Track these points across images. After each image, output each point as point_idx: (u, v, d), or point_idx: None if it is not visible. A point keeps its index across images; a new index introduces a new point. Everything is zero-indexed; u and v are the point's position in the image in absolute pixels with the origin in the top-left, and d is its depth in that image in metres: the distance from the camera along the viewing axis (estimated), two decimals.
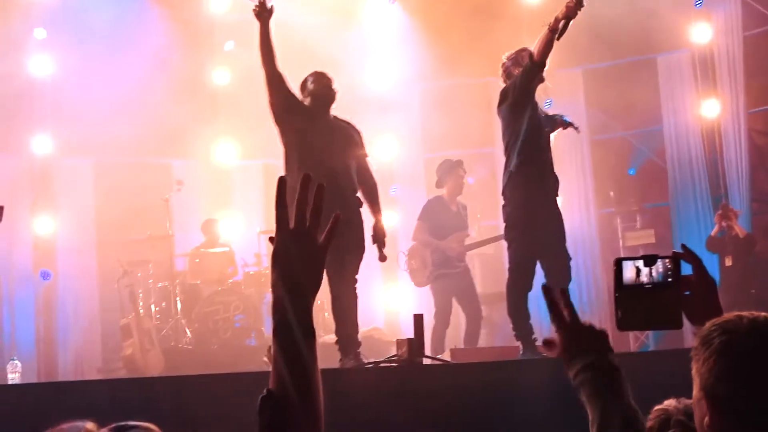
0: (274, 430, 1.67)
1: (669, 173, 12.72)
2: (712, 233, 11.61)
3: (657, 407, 2.71)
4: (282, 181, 1.77)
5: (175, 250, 11.16)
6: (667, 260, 2.08)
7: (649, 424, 2.65)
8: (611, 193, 12.66)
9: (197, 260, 11.26)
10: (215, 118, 12.83)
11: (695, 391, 1.80)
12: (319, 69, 7.20)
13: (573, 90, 12.75)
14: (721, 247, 11.42)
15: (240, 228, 12.46)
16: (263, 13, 6.67)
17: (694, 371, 1.80)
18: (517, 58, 7.17)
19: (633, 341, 12.05)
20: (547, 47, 6.73)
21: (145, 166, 12.54)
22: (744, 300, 10.15)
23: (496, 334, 11.21)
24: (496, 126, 8.01)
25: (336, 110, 7.09)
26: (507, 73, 7.23)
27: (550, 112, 7.81)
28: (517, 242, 7.07)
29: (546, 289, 2.12)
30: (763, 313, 1.79)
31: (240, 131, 12.65)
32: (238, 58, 12.40)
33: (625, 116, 13.01)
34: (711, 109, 12.47)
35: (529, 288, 6.99)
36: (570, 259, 7.14)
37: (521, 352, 6.91)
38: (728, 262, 11.29)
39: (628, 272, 2.09)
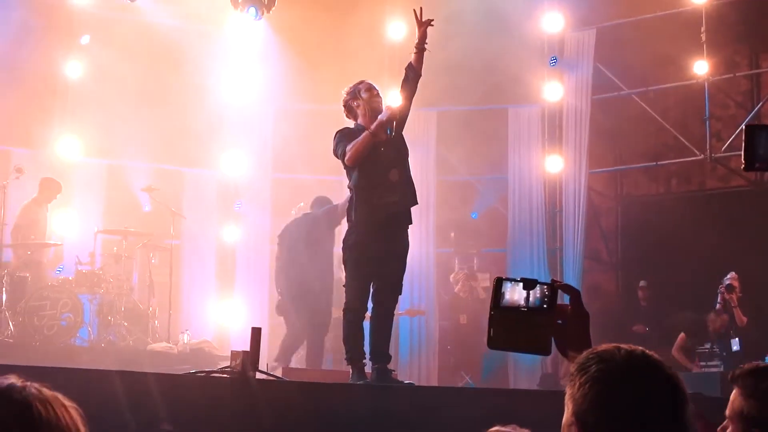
0: None
1: (509, 221, 13.04)
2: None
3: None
4: None
5: (5, 240, 10.72)
6: (545, 287, 2.09)
7: None
8: (452, 234, 12.88)
9: (29, 252, 10.82)
10: (63, 111, 12.45)
11: (566, 416, 1.82)
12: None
13: (426, 129, 12.95)
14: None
15: (77, 225, 12.05)
16: None
17: (567, 396, 1.82)
18: (354, 91, 7.27)
19: (459, 380, 12.29)
20: (364, 151, 6.88)
21: None
22: None
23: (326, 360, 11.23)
24: None
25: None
26: (347, 107, 7.32)
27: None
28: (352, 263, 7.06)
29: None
30: (639, 348, 1.83)
31: (87, 128, 12.31)
32: (93, 54, 12.11)
33: (473, 161, 13.29)
34: (555, 164, 12.89)
35: (365, 311, 7.00)
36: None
37: (351, 377, 6.92)
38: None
39: (507, 292, 2.09)
